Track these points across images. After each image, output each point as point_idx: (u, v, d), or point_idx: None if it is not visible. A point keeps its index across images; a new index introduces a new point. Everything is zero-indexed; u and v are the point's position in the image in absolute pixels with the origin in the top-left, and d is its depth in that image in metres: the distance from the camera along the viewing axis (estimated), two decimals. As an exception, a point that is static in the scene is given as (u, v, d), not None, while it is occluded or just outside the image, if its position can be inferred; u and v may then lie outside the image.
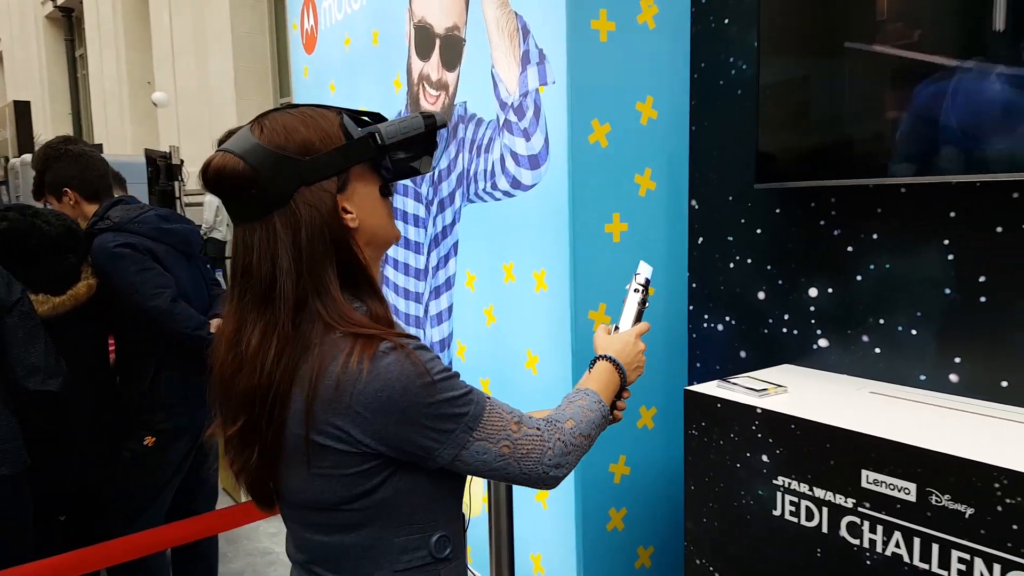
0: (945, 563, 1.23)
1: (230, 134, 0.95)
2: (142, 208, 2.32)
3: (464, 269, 2.37)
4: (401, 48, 2.59)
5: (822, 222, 1.75)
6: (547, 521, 2.07)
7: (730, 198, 1.97)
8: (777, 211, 1.86)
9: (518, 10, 1.98)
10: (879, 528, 1.32)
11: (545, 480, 1.03)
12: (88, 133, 17.94)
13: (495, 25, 2.09)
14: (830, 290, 1.75)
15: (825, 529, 1.41)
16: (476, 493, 2.28)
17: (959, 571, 1.21)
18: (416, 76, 2.54)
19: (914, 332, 1.60)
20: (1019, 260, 1.41)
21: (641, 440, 2.05)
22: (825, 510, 1.41)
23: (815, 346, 1.80)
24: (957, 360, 1.53)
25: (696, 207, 2.07)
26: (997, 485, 1.15)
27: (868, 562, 1.34)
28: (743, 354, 1.98)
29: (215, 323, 2.37)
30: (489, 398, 1.00)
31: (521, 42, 1.98)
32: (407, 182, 2.61)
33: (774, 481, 1.50)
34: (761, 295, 1.92)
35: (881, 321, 1.65)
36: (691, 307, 2.12)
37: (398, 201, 2.66)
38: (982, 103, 1.35)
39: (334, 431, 0.90)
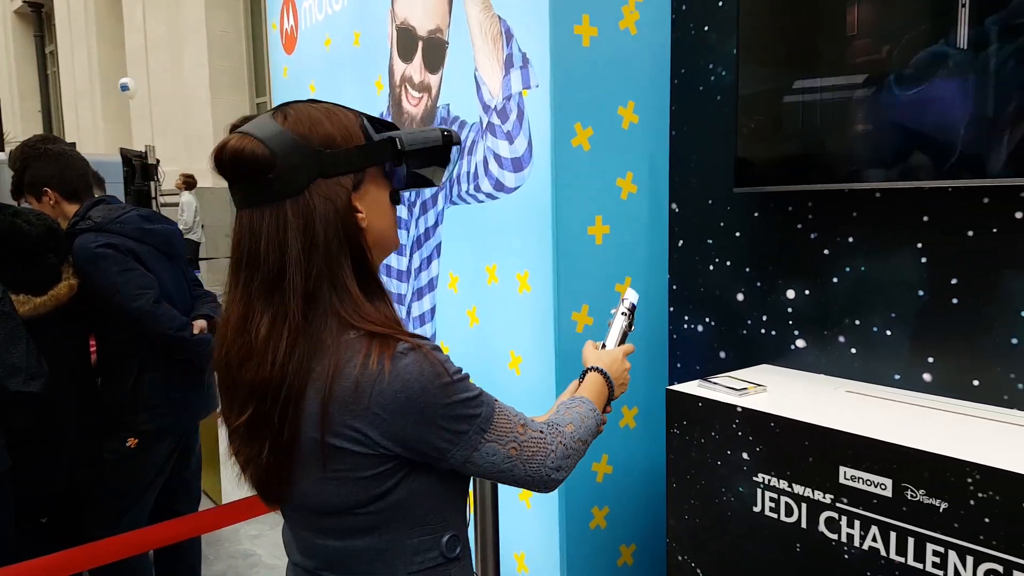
0: (920, 556, 1.27)
1: (244, 121, 0.94)
2: (124, 208, 2.31)
3: (447, 271, 2.38)
4: (383, 50, 2.60)
5: (799, 225, 1.79)
6: (531, 520, 2.09)
7: (710, 202, 2.01)
8: (755, 215, 1.90)
9: (501, 14, 2.00)
10: (856, 523, 1.36)
11: (546, 483, 1.04)
12: (59, 131, 17.65)
13: (478, 28, 2.11)
14: (807, 292, 1.80)
15: (804, 525, 1.45)
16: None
17: (933, 563, 1.25)
18: (398, 78, 2.55)
19: (888, 333, 1.64)
20: (989, 263, 1.46)
21: (623, 439, 2.07)
22: (804, 506, 1.45)
23: (793, 346, 1.84)
24: (930, 360, 1.58)
25: (676, 210, 2.11)
26: (970, 480, 1.19)
27: (846, 556, 1.38)
28: (723, 354, 2.02)
29: (198, 324, 2.36)
30: (496, 400, 1.00)
31: (504, 46, 2.00)
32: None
33: (754, 478, 1.54)
34: (740, 297, 1.96)
35: (857, 322, 1.70)
36: (672, 308, 2.15)
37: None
38: (951, 113, 1.39)
39: (352, 433, 0.90)
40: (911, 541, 1.28)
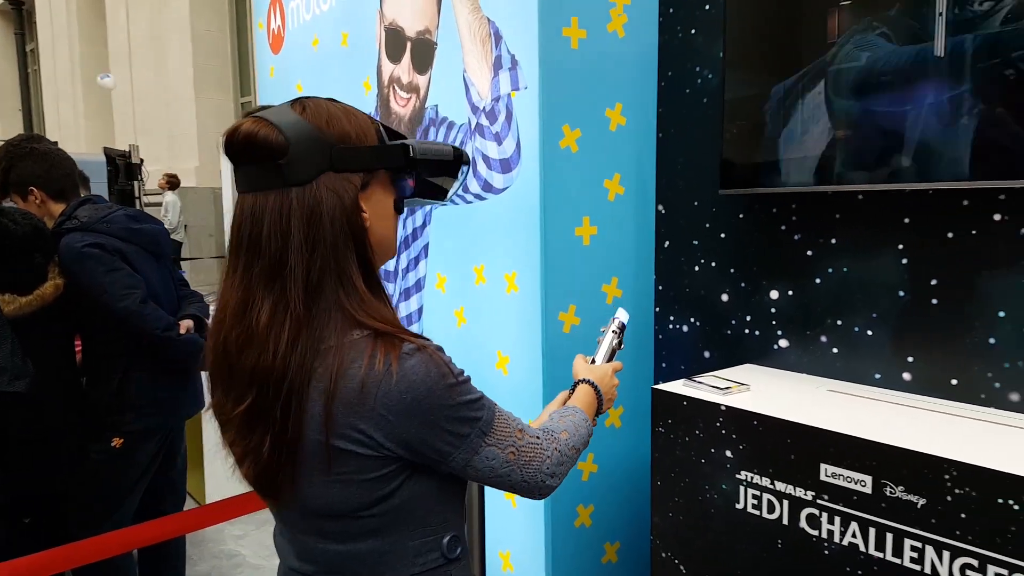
0: (899, 551, 1.30)
1: (259, 110, 0.94)
2: (110, 208, 2.30)
3: (435, 271, 2.39)
4: (371, 50, 2.61)
5: (783, 227, 1.82)
6: (516, 519, 2.10)
7: (695, 203, 2.03)
8: (740, 216, 1.93)
9: (490, 15, 2.01)
10: (837, 519, 1.39)
11: (541, 489, 1.04)
12: (39, 129, 17.48)
13: (467, 30, 2.12)
14: (790, 293, 1.82)
15: (786, 521, 1.47)
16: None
17: (911, 559, 1.28)
18: (387, 78, 2.56)
19: (870, 333, 1.67)
20: (969, 264, 1.49)
21: (609, 438, 2.09)
22: (786, 503, 1.47)
23: (776, 346, 1.87)
24: (910, 359, 1.61)
25: (663, 212, 2.13)
26: (947, 476, 1.22)
27: (826, 552, 1.41)
28: (707, 354, 2.04)
29: (185, 324, 2.36)
30: (495, 404, 1.00)
31: (493, 47, 2.01)
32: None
33: (737, 476, 1.56)
34: (725, 297, 1.98)
35: (838, 322, 1.73)
36: (657, 309, 2.17)
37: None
38: (931, 118, 1.43)
39: (356, 435, 0.89)
40: (890, 537, 1.31)
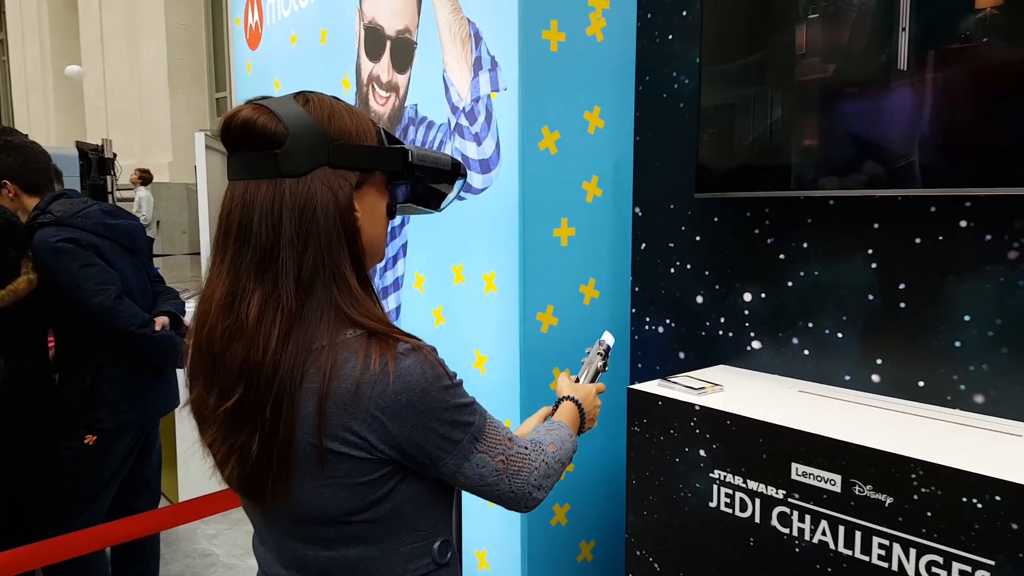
0: (867, 549, 1.33)
1: (261, 99, 0.92)
2: (85, 203, 2.27)
3: (413, 270, 2.40)
4: (350, 48, 2.60)
5: (756, 231, 1.85)
6: (492, 517, 2.12)
7: (671, 206, 2.06)
8: (715, 220, 1.95)
9: (470, 17, 2.02)
10: (807, 517, 1.41)
11: (527, 501, 1.03)
12: (8, 123, 17.15)
13: (447, 30, 2.13)
14: (763, 295, 1.86)
15: (758, 519, 1.50)
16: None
17: (879, 556, 1.31)
18: (366, 77, 2.56)
19: (840, 335, 1.71)
20: (936, 269, 1.53)
21: (585, 437, 2.10)
22: (758, 501, 1.50)
23: (749, 348, 1.90)
24: (879, 361, 1.64)
25: (640, 214, 2.16)
26: (913, 476, 1.25)
27: (797, 549, 1.44)
28: (682, 355, 2.07)
29: (160, 320, 2.34)
30: (486, 410, 0.99)
31: (473, 48, 2.02)
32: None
33: (711, 474, 1.59)
34: (699, 299, 2.01)
35: (810, 325, 1.76)
36: (633, 310, 2.20)
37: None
38: (899, 127, 1.46)
39: (349, 436, 0.86)
40: (858, 535, 1.34)
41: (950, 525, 1.22)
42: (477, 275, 2.08)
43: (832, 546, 1.38)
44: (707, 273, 1.98)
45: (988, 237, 1.45)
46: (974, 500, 1.18)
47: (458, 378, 0.94)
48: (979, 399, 1.49)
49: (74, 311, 2.18)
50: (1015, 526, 1.14)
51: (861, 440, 1.33)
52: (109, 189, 6.70)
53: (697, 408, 1.61)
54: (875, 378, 1.65)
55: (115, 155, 6.95)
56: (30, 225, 2.19)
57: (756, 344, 1.88)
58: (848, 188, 1.56)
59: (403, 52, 2.35)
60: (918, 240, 1.55)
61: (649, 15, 2.07)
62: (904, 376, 1.60)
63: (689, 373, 1.85)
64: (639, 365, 2.20)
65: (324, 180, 0.89)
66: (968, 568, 1.20)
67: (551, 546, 2.08)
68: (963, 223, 1.48)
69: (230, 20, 3.58)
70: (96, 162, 6.54)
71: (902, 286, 1.58)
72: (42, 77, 15.10)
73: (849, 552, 1.35)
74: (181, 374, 1.00)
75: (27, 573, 1.83)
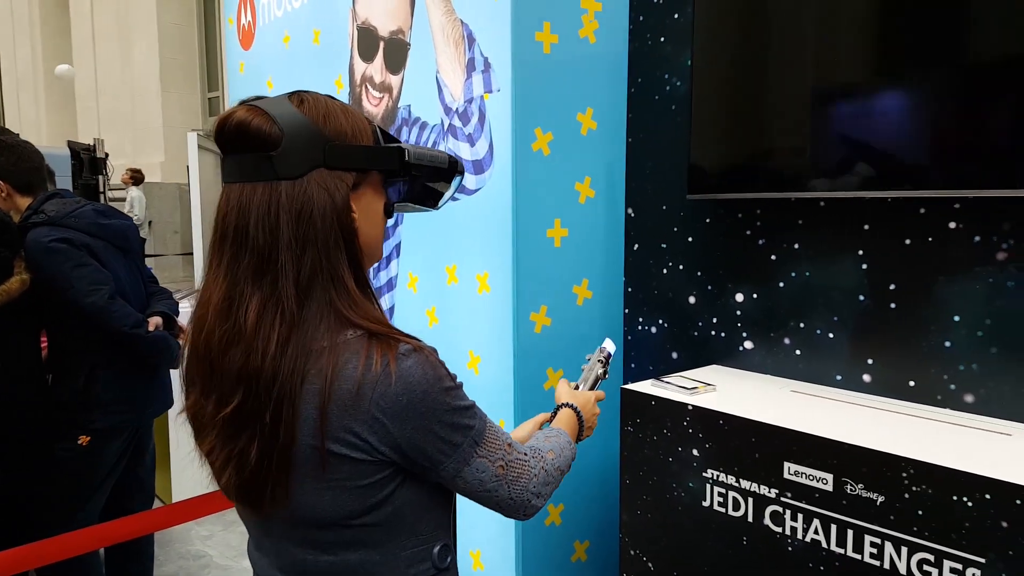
0: (859, 547, 1.34)
1: (255, 99, 0.91)
2: (78, 203, 2.27)
3: (407, 271, 2.40)
4: (343, 49, 2.61)
5: (748, 232, 1.86)
6: (486, 518, 2.12)
7: (664, 207, 2.07)
8: (707, 221, 1.96)
9: (463, 18, 2.03)
10: (799, 516, 1.43)
11: (526, 508, 1.02)
12: (-1, 121, 17.08)
13: (440, 32, 2.13)
14: (755, 296, 1.87)
15: (750, 518, 1.51)
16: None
17: (871, 554, 1.32)
18: (359, 77, 2.56)
19: (831, 335, 1.72)
20: (926, 269, 1.54)
21: (578, 437, 2.12)
22: (750, 500, 1.51)
23: (741, 348, 1.91)
24: (870, 361, 1.66)
25: (632, 215, 2.16)
26: (904, 475, 1.26)
27: (789, 548, 1.45)
28: (675, 355, 2.08)
29: (153, 321, 2.34)
30: (486, 415, 0.98)
31: (467, 49, 2.03)
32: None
33: (704, 474, 1.60)
34: (692, 299, 2.02)
35: (801, 325, 1.77)
36: (627, 310, 2.21)
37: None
38: (891, 129, 1.47)
39: (350, 438, 0.85)
40: (850, 533, 1.35)
41: (941, 523, 1.23)
42: (471, 275, 2.09)
43: (824, 545, 1.39)
44: (699, 274, 1.99)
45: (977, 238, 1.46)
46: (965, 499, 1.20)
47: (458, 380, 0.94)
48: (969, 398, 1.50)
49: (67, 311, 2.17)
50: (1005, 524, 1.15)
51: (853, 439, 1.34)
52: (101, 189, 6.67)
53: (690, 408, 1.61)
54: (866, 378, 1.66)
55: (107, 155, 6.92)
56: (23, 225, 2.18)
57: (748, 344, 1.89)
58: (839, 190, 1.57)
59: (396, 53, 2.35)
60: (908, 241, 1.56)
61: (641, 17, 2.08)
62: (895, 376, 1.61)
63: (682, 373, 1.86)
64: (632, 365, 2.21)
65: (320, 182, 0.87)
66: (959, 566, 1.21)
67: (545, 546, 2.09)
68: (952, 224, 1.49)
69: (223, 20, 3.57)
70: (88, 162, 6.51)
71: (893, 287, 1.59)
72: (33, 77, 15.04)
73: (841, 551, 1.36)
74: (175, 374, 0.99)
75: (21, 574, 1.83)
